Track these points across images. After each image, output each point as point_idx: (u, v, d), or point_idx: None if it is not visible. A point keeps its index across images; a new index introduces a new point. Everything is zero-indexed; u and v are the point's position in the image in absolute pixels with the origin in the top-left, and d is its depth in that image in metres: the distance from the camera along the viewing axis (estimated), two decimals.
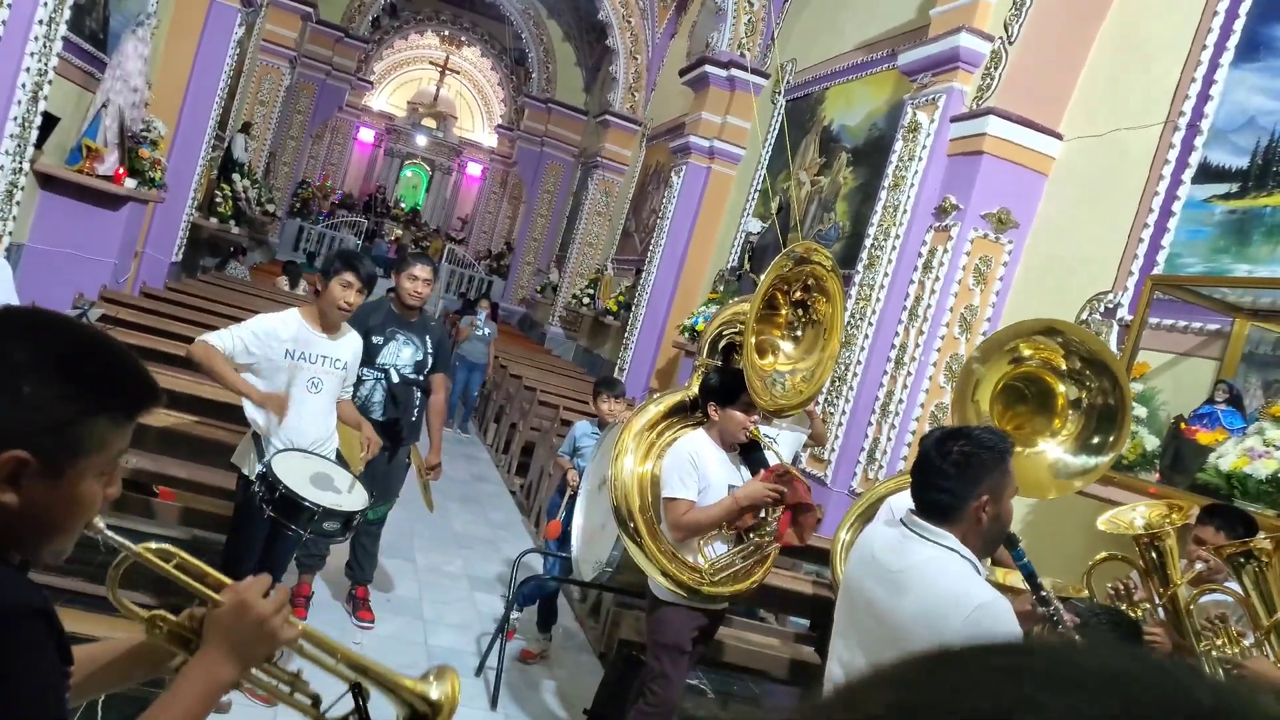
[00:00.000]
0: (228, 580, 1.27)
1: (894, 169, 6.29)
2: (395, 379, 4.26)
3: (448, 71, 23.44)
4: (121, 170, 6.61)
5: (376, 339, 4.22)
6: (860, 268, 6.33)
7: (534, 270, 18.29)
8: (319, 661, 1.31)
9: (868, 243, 6.37)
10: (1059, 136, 5.72)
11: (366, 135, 23.42)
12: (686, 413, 3.50)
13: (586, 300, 13.88)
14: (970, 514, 2.01)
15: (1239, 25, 4.70)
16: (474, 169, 24.19)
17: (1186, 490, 3.59)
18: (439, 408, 4.49)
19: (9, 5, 4.85)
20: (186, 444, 4.17)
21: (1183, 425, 3.90)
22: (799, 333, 3.46)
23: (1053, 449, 3.10)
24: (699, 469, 3.16)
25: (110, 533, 1.20)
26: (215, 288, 8.94)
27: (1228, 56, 4.72)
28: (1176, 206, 4.77)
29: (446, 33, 21.88)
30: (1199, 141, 4.75)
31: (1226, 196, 4.55)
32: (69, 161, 6.45)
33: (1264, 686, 2.36)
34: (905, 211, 6.08)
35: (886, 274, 6.10)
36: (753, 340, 3.19)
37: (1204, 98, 4.79)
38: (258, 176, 13.04)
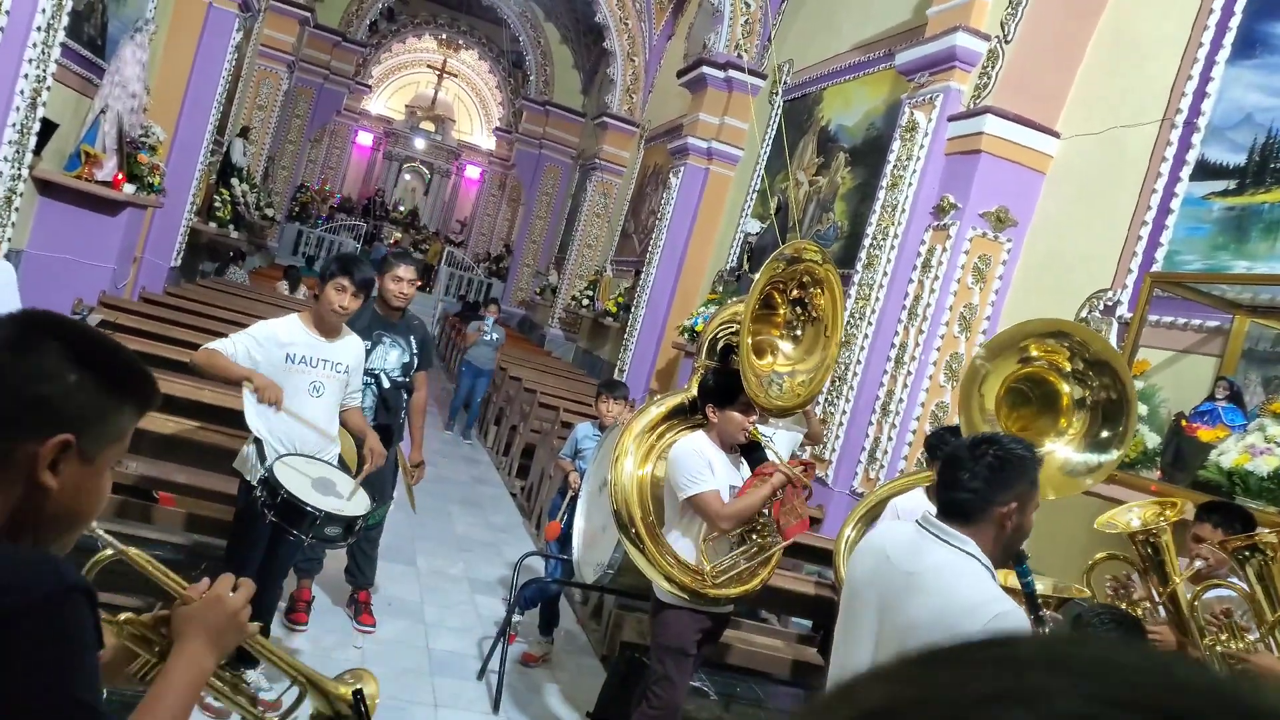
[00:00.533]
0: (184, 583, 1.38)
1: (892, 168, 6.29)
2: (386, 384, 4.23)
3: (445, 75, 23.47)
4: (120, 176, 6.62)
5: (364, 344, 4.20)
6: (859, 267, 6.33)
7: (533, 272, 18.29)
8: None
9: (866, 242, 6.37)
10: (1056, 135, 5.72)
11: (365, 139, 23.44)
12: (686, 414, 3.50)
13: (586, 302, 13.87)
14: (994, 520, 1.98)
15: (1235, 22, 4.71)
16: (472, 172, 24.20)
17: (1188, 487, 3.59)
18: (420, 405, 4.46)
19: (7, 11, 4.86)
20: (188, 449, 4.16)
21: (1183, 422, 3.90)
22: (799, 332, 3.45)
23: (1061, 449, 3.10)
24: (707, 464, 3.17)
25: (101, 531, 1.30)
26: (214, 292, 8.90)
27: (1224, 53, 4.73)
28: (1175, 204, 4.78)
29: (444, 36, 21.87)
30: (1196, 139, 4.76)
31: (1224, 193, 4.55)
32: (68, 167, 6.45)
33: (1269, 680, 2.36)
34: (904, 211, 6.08)
35: (885, 273, 6.11)
36: (749, 342, 3.18)
37: (1201, 95, 4.79)
38: (256, 181, 13.04)
